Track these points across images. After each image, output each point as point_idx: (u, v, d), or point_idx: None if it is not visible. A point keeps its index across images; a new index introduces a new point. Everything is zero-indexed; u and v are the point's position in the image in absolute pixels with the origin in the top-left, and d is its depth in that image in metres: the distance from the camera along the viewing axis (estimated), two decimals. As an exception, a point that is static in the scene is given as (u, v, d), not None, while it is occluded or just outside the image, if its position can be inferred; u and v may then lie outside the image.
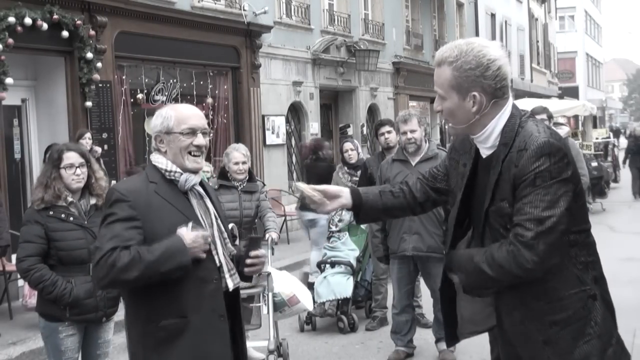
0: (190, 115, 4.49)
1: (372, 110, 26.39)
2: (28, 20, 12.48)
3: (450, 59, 3.84)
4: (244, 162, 9.23)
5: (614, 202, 24.19)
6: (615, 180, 31.58)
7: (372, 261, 10.87)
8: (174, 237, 4.25)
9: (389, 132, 10.49)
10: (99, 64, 14.02)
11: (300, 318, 10.76)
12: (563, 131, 10.51)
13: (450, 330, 4.36)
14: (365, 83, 25.68)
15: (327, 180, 11.43)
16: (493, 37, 41.00)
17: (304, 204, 8.64)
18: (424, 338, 9.65)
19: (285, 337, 9.51)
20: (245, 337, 4.81)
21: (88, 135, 12.44)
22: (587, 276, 3.83)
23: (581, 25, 75.95)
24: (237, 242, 4.91)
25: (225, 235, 4.61)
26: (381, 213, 4.59)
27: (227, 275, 4.49)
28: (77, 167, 6.45)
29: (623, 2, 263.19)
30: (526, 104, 27.05)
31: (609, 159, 31.80)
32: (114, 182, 13.10)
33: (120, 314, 7.57)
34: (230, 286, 4.50)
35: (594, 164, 23.63)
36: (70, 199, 6.41)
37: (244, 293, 4.92)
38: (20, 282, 11.07)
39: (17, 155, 13.89)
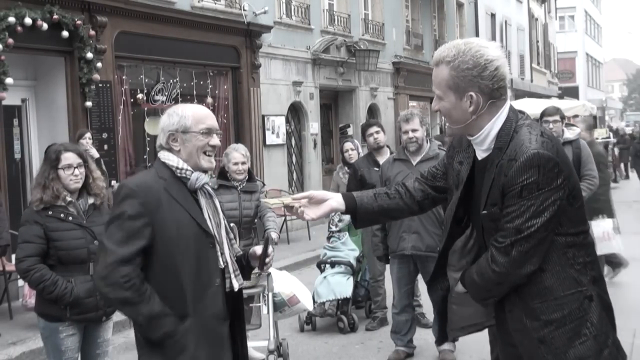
0: (206, 115, 4.52)
1: (372, 110, 26.39)
2: (28, 20, 12.48)
3: (448, 58, 3.84)
4: (243, 163, 9.22)
5: (614, 202, 24.15)
6: (615, 180, 31.56)
7: (368, 263, 10.85)
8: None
9: (377, 132, 10.48)
10: (99, 64, 14.02)
11: (300, 318, 10.77)
12: (574, 132, 10.47)
13: (441, 328, 4.38)
14: (365, 83, 25.69)
15: None
16: (493, 37, 41.02)
17: None
18: (424, 338, 9.64)
19: (285, 337, 9.51)
20: (246, 338, 4.81)
21: (88, 135, 12.44)
22: (585, 277, 3.83)
23: (581, 25, 75.94)
24: (237, 242, 4.92)
25: (232, 235, 4.64)
26: (378, 215, 4.56)
27: (232, 276, 4.51)
28: (75, 168, 6.45)
29: (623, 2, 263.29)
30: (526, 104, 27.12)
31: (609, 159, 31.79)
32: (114, 182, 13.15)
33: (119, 314, 7.58)
34: (236, 287, 4.51)
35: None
36: (69, 198, 6.41)
37: (244, 293, 4.90)
38: (20, 282, 11.07)
39: (17, 155, 13.89)
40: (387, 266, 10.78)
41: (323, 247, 11.70)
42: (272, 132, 20.19)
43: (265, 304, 8.79)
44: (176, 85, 17.22)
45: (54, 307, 6.34)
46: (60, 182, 6.40)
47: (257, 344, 8.76)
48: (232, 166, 9.19)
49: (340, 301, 10.70)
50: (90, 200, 6.57)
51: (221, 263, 4.47)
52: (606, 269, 12.43)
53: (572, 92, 60.67)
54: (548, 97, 46.57)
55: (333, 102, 25.38)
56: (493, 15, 41.80)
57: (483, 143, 3.92)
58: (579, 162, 9.73)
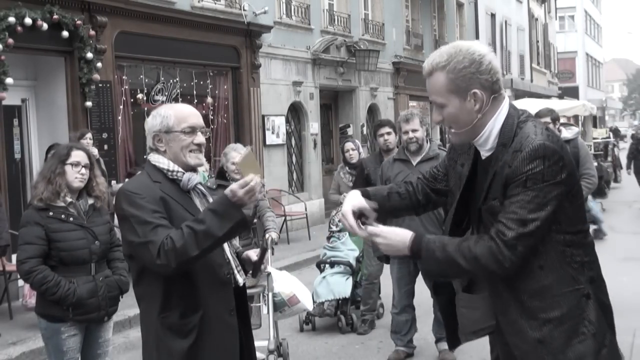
0: (189, 114, 4.51)
1: (372, 110, 26.40)
2: (28, 20, 12.48)
3: (442, 64, 3.81)
4: (242, 162, 9.20)
5: (614, 202, 24.19)
6: (616, 180, 31.60)
7: (366, 264, 10.83)
8: (219, 198, 4.28)
9: (388, 133, 10.38)
10: (99, 64, 14.03)
11: (299, 318, 10.76)
12: (572, 131, 10.49)
13: (451, 333, 4.36)
14: (365, 83, 25.69)
15: None
16: (493, 37, 41.02)
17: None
18: (424, 338, 9.64)
19: (285, 337, 9.50)
20: (252, 333, 4.82)
21: (89, 135, 12.43)
22: (583, 276, 3.81)
23: (581, 25, 75.99)
24: (236, 241, 4.93)
25: None
26: (387, 214, 4.54)
27: (235, 272, 4.54)
28: (82, 167, 6.48)
29: (623, 2, 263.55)
30: (526, 104, 27.07)
31: (609, 159, 31.83)
32: (114, 182, 13.15)
33: (119, 314, 7.59)
34: (240, 281, 4.55)
35: (594, 164, 23.62)
36: (69, 199, 6.41)
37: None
38: (20, 282, 11.07)
39: (17, 155, 13.89)
40: (384, 270, 10.83)
41: (323, 247, 11.71)
42: (272, 132, 20.19)
43: (265, 304, 8.78)
44: (176, 85, 17.23)
45: (56, 307, 6.35)
46: (65, 177, 6.41)
47: (257, 344, 8.74)
48: (231, 166, 9.19)
49: (339, 301, 10.70)
50: (90, 201, 6.58)
51: (227, 256, 4.51)
52: None
53: (572, 92, 60.69)
54: (548, 97, 46.59)
55: (333, 102, 25.39)
56: (493, 15, 41.78)
57: (486, 142, 3.90)
58: (577, 161, 9.75)
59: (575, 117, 36.23)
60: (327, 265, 11.12)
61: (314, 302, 10.36)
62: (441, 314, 4.42)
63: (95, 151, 12.41)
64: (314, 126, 22.61)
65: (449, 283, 4.28)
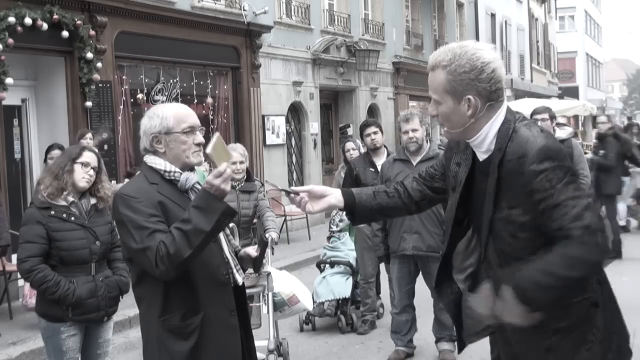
0: (188, 114, 4.52)
1: (372, 110, 26.39)
2: (28, 20, 12.48)
3: (444, 62, 3.82)
4: (241, 162, 9.22)
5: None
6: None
7: (360, 264, 10.84)
8: (197, 195, 4.27)
9: (374, 132, 10.40)
10: (99, 64, 14.03)
11: (299, 318, 10.76)
12: (566, 131, 10.52)
13: (459, 335, 4.35)
14: (365, 83, 25.69)
15: None
16: (493, 37, 41.01)
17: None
18: (424, 338, 9.64)
19: (285, 337, 9.51)
20: (251, 331, 4.82)
21: (89, 135, 12.42)
22: (589, 283, 3.82)
23: (581, 25, 75.91)
24: (236, 241, 4.93)
25: (229, 232, 4.66)
26: (376, 213, 4.52)
27: (234, 271, 4.54)
28: (91, 168, 6.52)
29: (623, 2, 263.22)
30: (526, 104, 27.05)
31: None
32: (114, 182, 13.14)
33: (119, 314, 7.59)
34: (239, 281, 4.55)
35: (594, 164, 23.54)
36: (71, 198, 6.42)
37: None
38: (21, 282, 11.08)
39: (17, 155, 13.89)
40: (379, 270, 10.83)
41: (323, 247, 11.71)
42: (272, 132, 20.19)
43: (265, 304, 8.78)
44: (176, 85, 17.23)
45: (56, 307, 6.36)
46: (73, 176, 6.43)
47: (257, 343, 8.73)
48: (231, 165, 9.18)
49: (339, 301, 10.70)
50: (93, 201, 6.59)
51: (225, 255, 4.51)
52: None
53: (572, 92, 60.63)
54: (548, 97, 46.59)
55: (333, 102, 25.38)
56: (493, 15, 41.78)
57: (482, 145, 3.90)
58: (571, 161, 9.75)
59: (575, 117, 36.29)
60: (327, 265, 11.12)
61: (314, 302, 10.36)
62: (450, 316, 4.41)
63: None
64: (314, 126, 22.62)
65: (451, 283, 4.27)
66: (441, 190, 4.42)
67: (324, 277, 10.95)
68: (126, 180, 13.33)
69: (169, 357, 4.36)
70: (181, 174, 4.45)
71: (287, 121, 21.48)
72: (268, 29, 19.59)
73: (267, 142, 19.93)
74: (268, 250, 9.17)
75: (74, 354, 6.52)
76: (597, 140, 17.25)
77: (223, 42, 18.27)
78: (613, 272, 3.94)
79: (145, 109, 15.47)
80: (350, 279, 10.87)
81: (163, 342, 4.37)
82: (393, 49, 27.92)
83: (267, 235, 9.19)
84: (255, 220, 9.56)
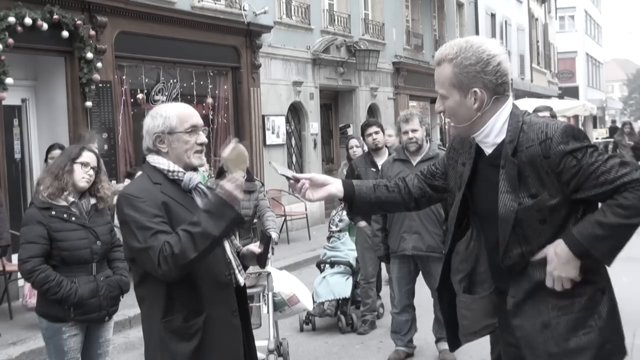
0: (190, 113, 4.51)
1: (372, 110, 26.38)
2: (28, 20, 12.48)
3: (450, 56, 3.85)
4: (241, 162, 9.21)
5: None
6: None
7: (360, 264, 10.82)
8: (209, 200, 4.28)
9: (376, 132, 10.42)
10: (99, 64, 14.03)
11: (300, 318, 10.76)
12: None
13: (452, 334, 4.35)
14: (366, 83, 25.69)
15: None
16: (493, 37, 40.95)
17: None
18: (424, 338, 9.64)
19: (285, 336, 9.50)
20: (252, 332, 4.82)
21: (95, 146, 12.45)
22: (599, 270, 3.85)
23: (581, 25, 75.90)
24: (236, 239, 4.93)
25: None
26: (374, 206, 4.53)
27: (236, 271, 4.52)
28: (90, 168, 6.52)
29: (623, 2, 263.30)
30: (526, 104, 27.07)
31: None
32: (114, 182, 13.14)
33: (120, 314, 7.59)
34: (241, 281, 4.52)
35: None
36: (71, 198, 6.43)
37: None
38: (20, 282, 11.07)
39: (17, 155, 13.89)
40: (380, 269, 10.82)
41: (323, 247, 11.72)
42: (272, 132, 20.19)
43: (265, 304, 8.79)
44: (176, 85, 17.23)
45: (58, 307, 6.35)
46: (73, 176, 6.44)
47: (257, 343, 8.74)
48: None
49: (339, 301, 10.70)
50: (92, 201, 6.59)
51: (228, 256, 4.50)
52: None
53: (572, 92, 60.64)
54: (548, 97, 46.61)
55: (333, 102, 25.38)
56: (493, 15, 41.78)
57: (487, 138, 3.92)
58: None
59: (576, 117, 36.29)
60: (327, 265, 11.12)
61: (314, 302, 10.37)
62: (442, 316, 4.42)
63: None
64: (314, 126, 22.62)
65: (450, 286, 4.27)
66: (441, 189, 4.42)
67: (324, 277, 10.95)
68: (126, 180, 13.33)
69: (171, 358, 4.35)
70: (184, 173, 4.44)
71: (287, 121, 21.49)
72: (268, 29, 19.59)
73: (267, 142, 19.93)
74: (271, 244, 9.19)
75: (75, 354, 6.52)
76: None
77: (223, 42, 18.27)
78: (613, 272, 3.93)
79: (146, 109, 15.56)
80: (350, 279, 10.87)
81: (166, 343, 4.35)
82: (393, 49, 27.92)
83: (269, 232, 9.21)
84: (255, 220, 9.57)
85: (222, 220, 4.17)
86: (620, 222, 3.65)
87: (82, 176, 6.47)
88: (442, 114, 4.06)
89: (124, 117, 15.52)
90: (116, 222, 5.04)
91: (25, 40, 12.71)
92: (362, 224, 10.10)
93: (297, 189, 4.35)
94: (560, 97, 53.45)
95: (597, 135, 38.58)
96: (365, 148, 11.91)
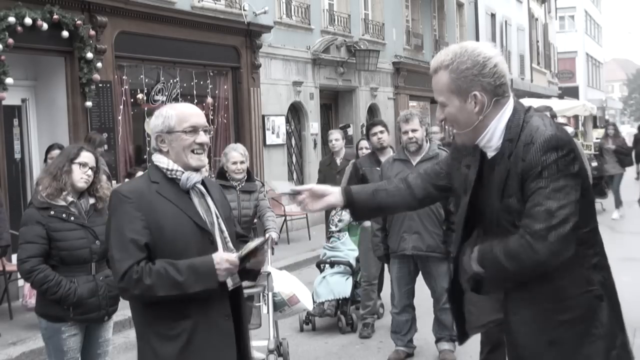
0: (191, 113, 4.50)
1: (372, 110, 26.39)
2: (28, 20, 12.48)
3: (446, 62, 3.82)
4: (242, 162, 9.24)
5: (614, 202, 24.13)
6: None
7: (363, 265, 10.79)
8: (203, 259, 4.27)
9: (381, 132, 10.38)
10: (99, 64, 14.02)
11: (300, 318, 10.76)
12: (568, 131, 10.50)
13: (461, 329, 4.36)
14: (366, 83, 25.69)
15: None
16: (493, 37, 41.02)
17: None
18: (424, 338, 9.64)
19: (285, 337, 9.50)
20: (248, 337, 4.80)
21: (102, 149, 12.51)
22: (596, 276, 3.82)
23: (581, 25, 75.90)
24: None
25: (226, 234, 4.59)
26: (376, 211, 4.59)
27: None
28: (89, 168, 6.52)
29: (623, 2, 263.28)
30: (526, 104, 27.07)
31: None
32: (114, 182, 13.13)
33: (119, 314, 7.58)
34: (230, 285, 4.44)
35: (594, 164, 23.56)
36: (70, 198, 6.43)
37: (244, 293, 4.89)
38: (20, 282, 11.08)
39: (17, 155, 13.90)
40: (383, 270, 10.81)
41: (323, 247, 11.71)
42: (272, 132, 20.19)
43: (265, 304, 8.79)
44: (176, 85, 17.23)
45: (57, 307, 6.36)
46: (71, 176, 6.43)
47: (257, 343, 8.76)
48: (231, 166, 9.22)
49: (339, 301, 10.70)
50: (92, 201, 6.59)
51: None
52: None
53: (572, 92, 60.64)
54: (548, 97, 46.60)
55: (333, 102, 25.38)
56: (493, 15, 41.78)
57: (490, 142, 3.90)
58: None
59: (575, 117, 36.31)
60: (327, 265, 11.12)
61: (314, 302, 10.37)
62: (452, 312, 4.43)
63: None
64: (314, 126, 22.62)
65: (459, 284, 4.27)
66: (445, 189, 4.42)
67: (323, 277, 10.95)
68: (126, 180, 13.32)
69: (155, 359, 4.37)
70: (182, 173, 4.43)
71: (287, 121, 21.49)
72: (268, 29, 19.59)
73: (267, 142, 19.92)
74: (268, 250, 9.19)
75: (75, 353, 6.52)
76: None
77: (223, 42, 18.27)
78: (613, 272, 3.93)
79: (145, 109, 15.58)
80: (350, 279, 10.86)
81: (151, 345, 4.37)
82: (393, 49, 27.92)
83: (266, 235, 9.21)
84: (255, 220, 9.58)
85: (202, 283, 4.22)
86: (504, 265, 3.75)
87: (80, 176, 6.47)
88: (443, 122, 4.04)
89: (123, 117, 15.52)
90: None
91: (25, 40, 12.70)
92: (367, 223, 10.08)
93: (298, 201, 4.37)
94: (560, 97, 53.45)
95: (597, 135, 38.44)
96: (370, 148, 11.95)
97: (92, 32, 13.86)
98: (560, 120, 18.94)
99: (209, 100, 18.31)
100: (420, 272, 9.16)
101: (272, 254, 9.48)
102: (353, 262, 10.91)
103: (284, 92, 21.08)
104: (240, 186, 9.27)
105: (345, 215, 10.90)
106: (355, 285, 10.91)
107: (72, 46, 13.70)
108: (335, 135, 12.90)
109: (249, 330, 4.94)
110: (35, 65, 14.23)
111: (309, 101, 22.34)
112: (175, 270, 4.18)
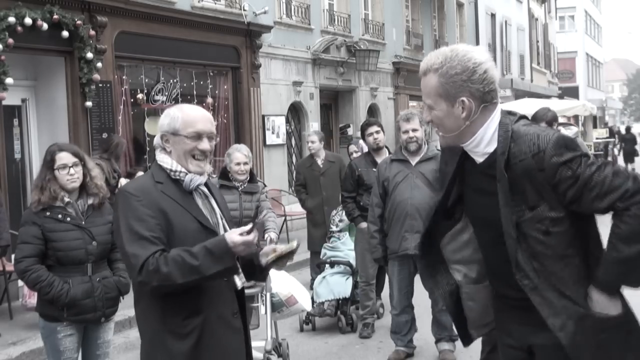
0: (197, 119, 4.47)
1: (372, 110, 26.38)
2: (28, 20, 12.47)
3: (435, 66, 3.80)
4: (245, 163, 9.26)
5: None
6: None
7: (360, 266, 10.74)
8: (217, 239, 4.25)
9: (377, 132, 10.37)
10: (99, 64, 14.01)
11: (300, 318, 10.75)
12: (572, 131, 10.53)
13: (462, 330, 4.34)
14: (366, 83, 25.69)
15: None
16: (493, 37, 41.03)
17: None
18: (424, 338, 9.64)
19: (285, 337, 9.51)
20: (249, 335, 4.80)
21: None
22: None
23: (581, 25, 75.93)
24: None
25: None
26: None
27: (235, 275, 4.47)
28: (70, 167, 6.45)
29: (623, 2, 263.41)
30: (526, 104, 27.10)
31: (609, 158, 31.81)
32: (122, 179, 13.12)
33: (119, 314, 7.58)
34: (239, 285, 4.46)
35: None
36: (67, 199, 6.41)
37: (245, 292, 4.88)
38: (20, 282, 11.07)
39: (17, 155, 13.89)
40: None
41: (323, 247, 11.69)
42: (272, 132, 20.19)
43: (263, 304, 8.80)
44: (176, 85, 17.23)
45: (53, 307, 6.37)
46: (57, 182, 6.40)
47: (254, 344, 8.74)
48: (234, 166, 9.23)
49: (339, 301, 10.70)
50: (90, 201, 6.56)
51: None
52: None
53: (572, 92, 60.63)
54: (548, 97, 46.59)
55: (333, 102, 25.38)
56: (493, 15, 41.78)
57: (477, 148, 3.88)
58: None
59: (575, 117, 36.29)
60: (327, 265, 11.12)
61: (314, 302, 10.38)
62: (448, 310, 4.41)
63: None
64: (314, 126, 22.59)
65: (447, 276, 4.25)
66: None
67: (323, 277, 10.95)
68: (124, 180, 13.31)
69: (169, 357, 4.34)
70: (186, 174, 4.43)
71: (287, 121, 21.49)
72: (268, 29, 19.59)
73: (267, 142, 19.92)
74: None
75: (72, 354, 6.51)
76: None
77: (223, 42, 18.26)
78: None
79: (145, 109, 15.58)
80: (350, 279, 10.86)
81: (162, 342, 4.34)
82: (393, 49, 27.91)
83: (266, 236, 9.23)
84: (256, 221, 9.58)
85: (219, 264, 4.17)
86: (635, 250, 3.61)
87: (66, 179, 6.42)
88: (429, 124, 4.02)
89: (124, 117, 15.51)
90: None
91: (25, 40, 12.70)
92: (363, 225, 10.06)
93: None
94: (560, 97, 53.42)
95: (598, 135, 38.49)
96: (365, 152, 11.93)
97: (92, 32, 13.85)
98: (561, 120, 18.94)
99: (209, 100, 18.30)
100: (418, 272, 9.15)
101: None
102: (353, 262, 10.90)
103: (284, 92, 21.08)
104: (243, 187, 9.28)
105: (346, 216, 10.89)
106: (355, 285, 10.90)
107: (72, 46, 13.69)
108: (312, 137, 12.93)
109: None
110: (35, 65, 14.23)
111: (309, 101, 22.34)
112: (190, 255, 4.15)
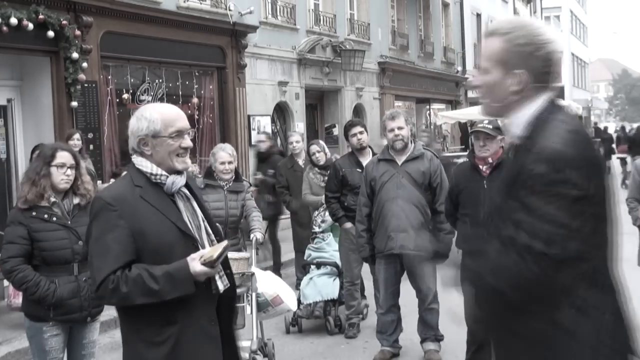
0: (175, 117, 4.44)
1: (358, 110, 26.40)
2: (14, 20, 12.45)
3: (503, 30, 3.60)
4: (230, 162, 9.25)
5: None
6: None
7: (345, 266, 10.75)
8: (179, 265, 4.22)
9: (361, 132, 10.35)
10: (85, 64, 14.00)
11: (286, 319, 10.75)
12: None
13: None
14: (351, 83, 25.71)
15: None
16: (479, 37, 41.02)
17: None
18: (409, 338, 9.64)
19: (271, 337, 9.51)
20: (237, 340, 4.79)
21: (77, 136, 12.36)
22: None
23: (567, 25, 76.07)
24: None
25: (213, 237, 4.57)
26: None
27: (216, 277, 4.42)
28: (67, 168, 6.45)
29: (608, 2, 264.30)
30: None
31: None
32: (99, 182, 13.12)
33: (105, 314, 7.57)
34: (221, 288, 4.43)
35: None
36: (53, 199, 6.39)
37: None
38: (5, 282, 11.03)
39: (3, 155, 13.86)
40: (364, 271, 10.77)
41: (307, 248, 11.65)
42: (258, 132, 20.14)
43: (249, 304, 8.79)
44: (162, 85, 17.22)
45: (39, 307, 6.35)
46: (51, 179, 6.39)
47: (240, 344, 8.74)
48: (219, 166, 9.22)
49: (327, 302, 10.69)
50: (76, 200, 6.55)
51: None
52: None
53: (558, 92, 60.74)
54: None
55: (319, 102, 25.39)
56: (479, 15, 41.84)
57: (513, 126, 3.62)
58: None
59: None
60: (313, 267, 11.11)
61: (301, 303, 10.38)
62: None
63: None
64: (299, 126, 22.60)
65: None
66: None
67: (310, 278, 10.93)
68: (112, 180, 13.30)
69: None
70: (167, 177, 4.39)
71: (273, 121, 21.51)
72: (254, 29, 19.60)
73: (253, 142, 19.86)
74: (252, 251, 9.21)
75: (57, 354, 6.50)
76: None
77: (209, 42, 18.26)
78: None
79: (131, 109, 15.53)
80: (337, 280, 10.84)
81: (137, 350, 4.35)
82: (379, 49, 27.94)
83: (251, 236, 9.24)
84: (242, 220, 9.58)
85: (178, 290, 4.18)
86: (496, 283, 3.43)
87: (60, 178, 6.42)
88: (476, 89, 3.80)
89: (109, 117, 15.51)
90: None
91: (11, 40, 12.68)
92: (348, 225, 10.08)
93: None
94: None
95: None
96: (327, 151, 11.94)
97: (78, 32, 13.84)
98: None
99: (195, 100, 18.30)
100: (405, 272, 9.17)
101: (257, 254, 9.48)
102: (339, 263, 10.88)
103: (269, 92, 21.08)
104: (228, 186, 9.27)
105: (328, 216, 10.88)
106: (342, 286, 10.89)
107: (57, 46, 13.68)
108: (296, 138, 12.95)
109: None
110: (20, 65, 14.19)
111: (294, 101, 22.35)
112: (151, 278, 4.15)
